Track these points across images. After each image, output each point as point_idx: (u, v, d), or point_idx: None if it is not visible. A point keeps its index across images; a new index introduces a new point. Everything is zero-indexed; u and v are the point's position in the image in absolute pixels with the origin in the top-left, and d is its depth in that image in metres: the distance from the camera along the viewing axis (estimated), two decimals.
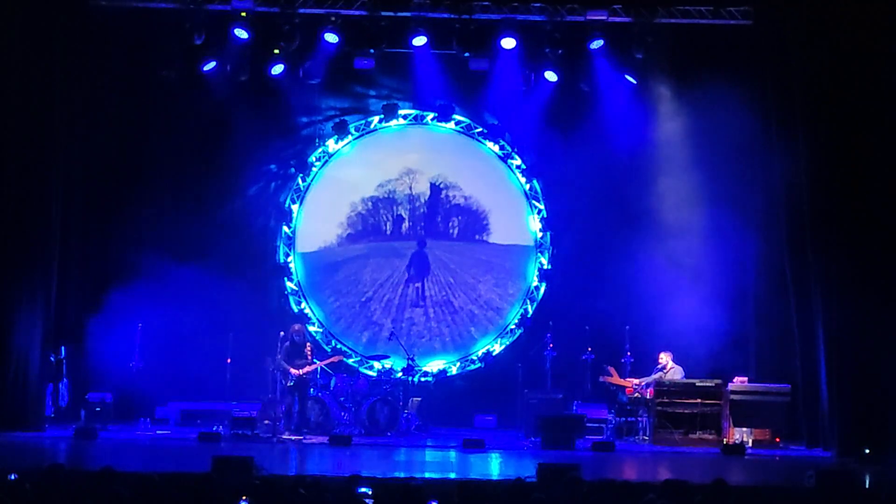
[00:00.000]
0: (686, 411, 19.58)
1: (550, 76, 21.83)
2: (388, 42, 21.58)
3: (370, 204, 23.39)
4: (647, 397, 20.00)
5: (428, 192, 23.42)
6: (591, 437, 19.61)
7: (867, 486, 14.61)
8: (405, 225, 23.42)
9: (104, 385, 20.62)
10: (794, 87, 19.65)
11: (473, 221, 23.44)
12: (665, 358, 20.31)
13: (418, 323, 23.26)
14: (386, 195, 23.41)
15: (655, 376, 20.13)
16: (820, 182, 19.13)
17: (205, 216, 22.35)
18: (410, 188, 23.39)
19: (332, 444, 18.69)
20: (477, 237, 23.49)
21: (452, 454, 18.30)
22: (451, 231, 23.48)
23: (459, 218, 23.46)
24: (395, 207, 23.42)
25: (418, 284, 23.36)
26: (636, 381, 20.23)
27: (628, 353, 20.72)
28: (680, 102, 21.75)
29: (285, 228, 23.12)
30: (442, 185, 23.41)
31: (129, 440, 19.17)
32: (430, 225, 23.42)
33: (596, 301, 21.38)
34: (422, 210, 23.42)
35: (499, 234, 23.44)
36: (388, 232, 23.44)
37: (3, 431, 18.66)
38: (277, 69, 21.77)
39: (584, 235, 22.52)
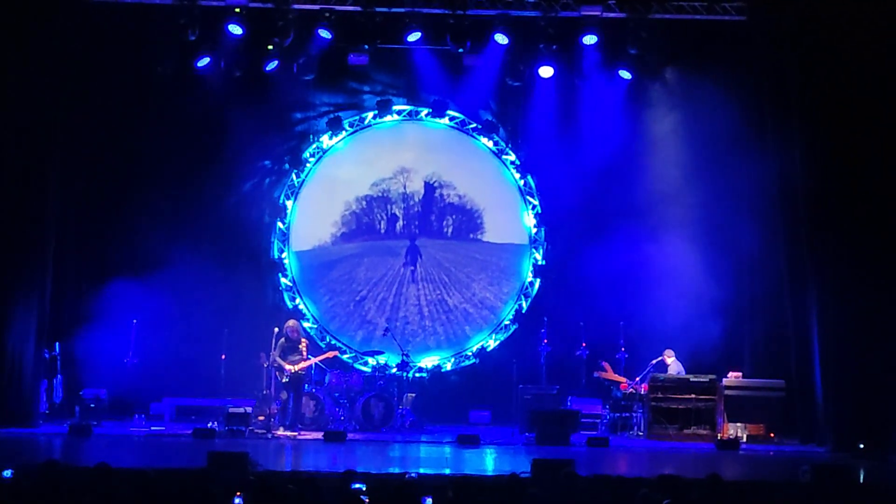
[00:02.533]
0: (681, 406, 19.60)
1: (545, 72, 21.81)
2: (382, 38, 21.57)
3: (364, 203, 23.37)
4: (642, 393, 20.02)
5: (422, 191, 23.41)
6: (585, 432, 19.66)
7: (862, 480, 14.63)
8: (399, 224, 23.40)
9: (99, 381, 20.65)
10: (789, 83, 19.67)
11: (468, 220, 23.43)
12: (669, 355, 20.33)
13: (412, 322, 23.25)
14: (380, 194, 23.39)
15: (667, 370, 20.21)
16: (815, 177, 19.14)
17: (199, 212, 22.33)
18: (405, 187, 23.38)
19: (326, 440, 18.71)
20: (471, 236, 23.48)
21: (447, 450, 18.31)
22: (445, 230, 23.47)
23: (454, 217, 23.44)
24: (389, 206, 23.40)
25: (412, 268, 23.36)
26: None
27: (623, 349, 20.75)
28: (674, 98, 21.78)
29: (280, 224, 23.10)
30: (436, 184, 23.39)
31: (123, 436, 19.16)
32: (425, 224, 23.42)
33: (590, 296, 21.41)
34: (416, 209, 23.41)
35: (493, 232, 23.43)
36: (383, 231, 23.42)
37: None
38: (271, 65, 21.73)
39: (578, 231, 22.48)
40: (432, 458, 17.49)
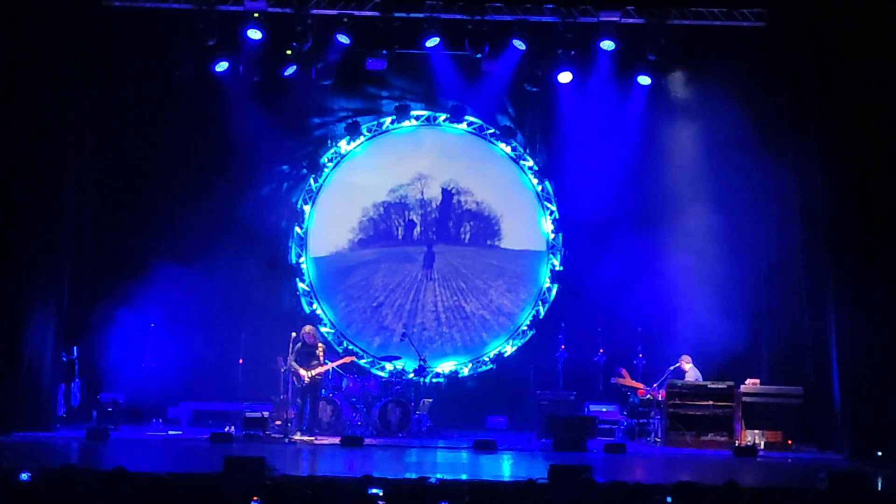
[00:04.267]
0: (698, 413, 19.55)
1: (563, 77, 21.81)
2: (401, 43, 21.59)
3: (382, 209, 23.36)
4: (659, 399, 19.98)
5: (440, 198, 23.40)
6: (602, 438, 19.60)
7: (879, 488, 14.59)
8: (417, 230, 23.40)
9: (116, 385, 20.72)
10: (807, 90, 19.62)
11: (485, 227, 23.41)
12: (686, 361, 20.29)
13: (429, 328, 23.23)
14: (398, 200, 23.39)
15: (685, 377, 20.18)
16: (834, 184, 19.06)
17: (217, 216, 22.24)
18: (422, 193, 23.37)
19: (343, 445, 18.70)
20: (489, 242, 23.46)
21: (464, 455, 18.27)
22: (462, 236, 23.45)
23: (471, 223, 23.42)
24: (406, 212, 23.39)
25: (428, 270, 23.33)
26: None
27: (640, 355, 20.74)
28: (692, 104, 21.73)
29: (297, 229, 23.12)
30: (454, 190, 23.38)
31: (140, 440, 19.20)
32: (442, 230, 23.41)
33: (608, 302, 21.36)
34: (433, 215, 23.40)
35: (510, 238, 23.42)
36: (400, 237, 23.41)
37: (16, 431, 18.69)
38: (290, 70, 21.76)
39: (596, 237, 22.42)
40: (449, 463, 17.42)
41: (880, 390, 18.43)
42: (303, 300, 23.11)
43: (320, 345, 20.27)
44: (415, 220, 23.37)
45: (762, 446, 19.21)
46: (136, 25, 20.93)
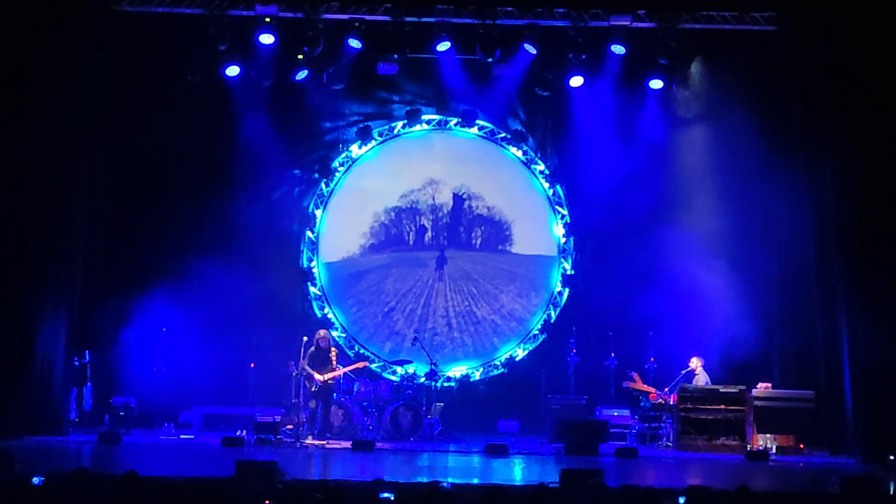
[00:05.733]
0: (710, 417, 19.52)
1: (574, 81, 21.78)
2: (412, 47, 21.61)
3: (393, 214, 23.37)
4: (671, 403, 19.96)
5: (451, 203, 23.39)
6: (614, 442, 19.61)
7: (892, 492, 14.55)
8: (428, 235, 23.39)
9: (128, 389, 20.78)
10: (819, 94, 19.60)
11: (496, 232, 23.40)
12: (695, 362, 20.27)
13: (441, 333, 23.21)
14: (409, 205, 23.39)
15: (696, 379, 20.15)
16: (845, 188, 19.02)
17: (228, 220, 22.15)
18: (433, 198, 23.36)
19: (355, 450, 18.70)
20: (500, 247, 23.44)
21: (475, 459, 18.28)
22: (473, 241, 23.43)
23: (482, 228, 23.40)
24: (417, 217, 23.38)
25: (440, 272, 23.32)
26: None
27: (651, 359, 20.74)
28: (704, 108, 21.70)
29: (309, 233, 23.13)
30: (465, 195, 23.37)
31: (152, 444, 19.25)
32: (453, 235, 23.40)
33: (619, 306, 21.36)
34: (445, 220, 23.39)
35: (522, 243, 23.40)
36: (411, 242, 23.41)
37: (28, 435, 18.71)
38: (301, 74, 21.76)
39: (607, 241, 22.47)
40: (461, 467, 17.46)
41: (892, 394, 18.39)
42: (314, 305, 23.11)
43: (333, 349, 20.25)
44: (426, 225, 23.36)
45: (774, 450, 19.19)
46: (148, 30, 20.97)
